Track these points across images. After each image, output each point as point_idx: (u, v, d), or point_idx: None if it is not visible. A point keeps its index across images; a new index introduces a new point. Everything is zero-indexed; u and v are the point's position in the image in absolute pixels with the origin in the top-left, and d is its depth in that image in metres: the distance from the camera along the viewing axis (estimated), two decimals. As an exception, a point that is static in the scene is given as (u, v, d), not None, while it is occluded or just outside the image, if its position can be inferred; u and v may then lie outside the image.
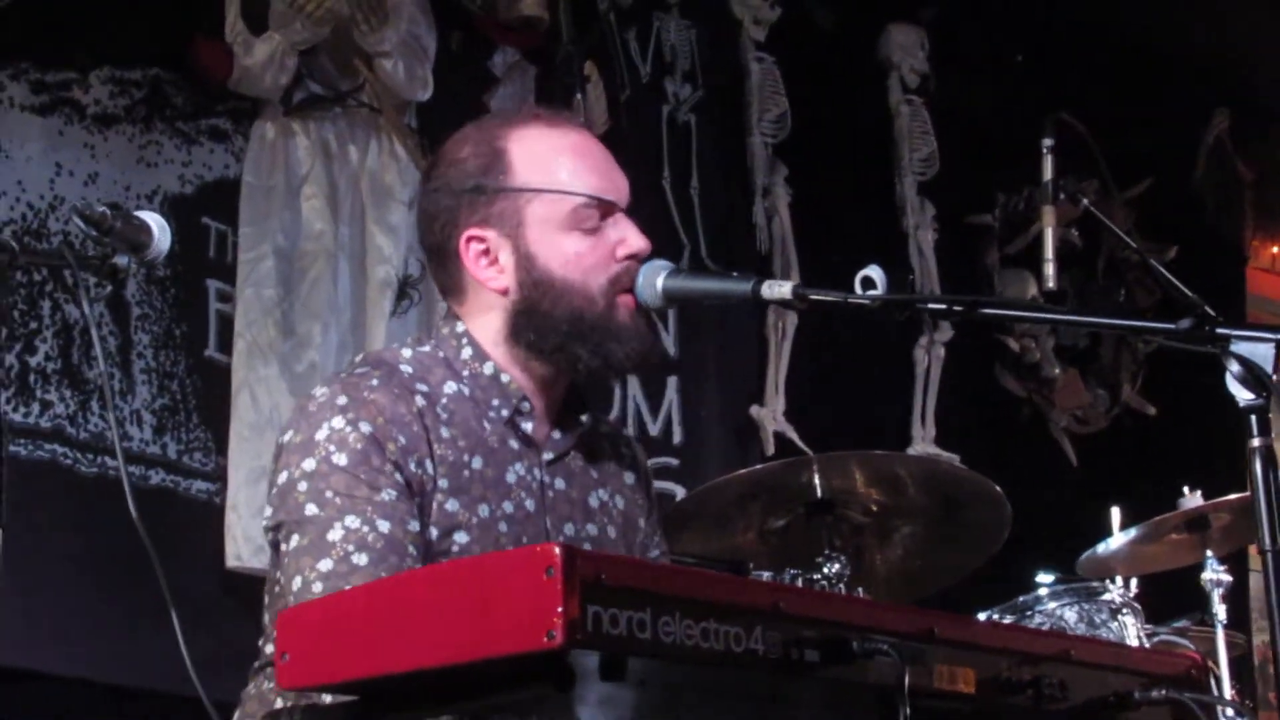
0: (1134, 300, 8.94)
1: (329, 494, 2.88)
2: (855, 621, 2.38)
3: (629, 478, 3.29)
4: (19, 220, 5.35)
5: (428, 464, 2.95)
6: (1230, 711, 4.72)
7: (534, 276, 3.05)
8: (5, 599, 2.64)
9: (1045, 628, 4.70)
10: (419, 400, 2.99)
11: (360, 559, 2.83)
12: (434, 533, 2.93)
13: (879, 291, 2.79)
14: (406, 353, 3.12)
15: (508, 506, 3.03)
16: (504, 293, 3.08)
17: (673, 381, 7.17)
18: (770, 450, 7.23)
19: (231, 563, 5.54)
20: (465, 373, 3.08)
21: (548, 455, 3.12)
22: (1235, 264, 9.65)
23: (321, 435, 2.92)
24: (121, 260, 2.92)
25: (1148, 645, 4.90)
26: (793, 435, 7.30)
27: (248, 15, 5.87)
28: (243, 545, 5.53)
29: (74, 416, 5.37)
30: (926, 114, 8.16)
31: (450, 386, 3.06)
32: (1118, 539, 5.49)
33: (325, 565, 2.83)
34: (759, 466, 5.09)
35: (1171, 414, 8.79)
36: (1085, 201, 4.89)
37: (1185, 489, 5.45)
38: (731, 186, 7.59)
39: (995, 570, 5.01)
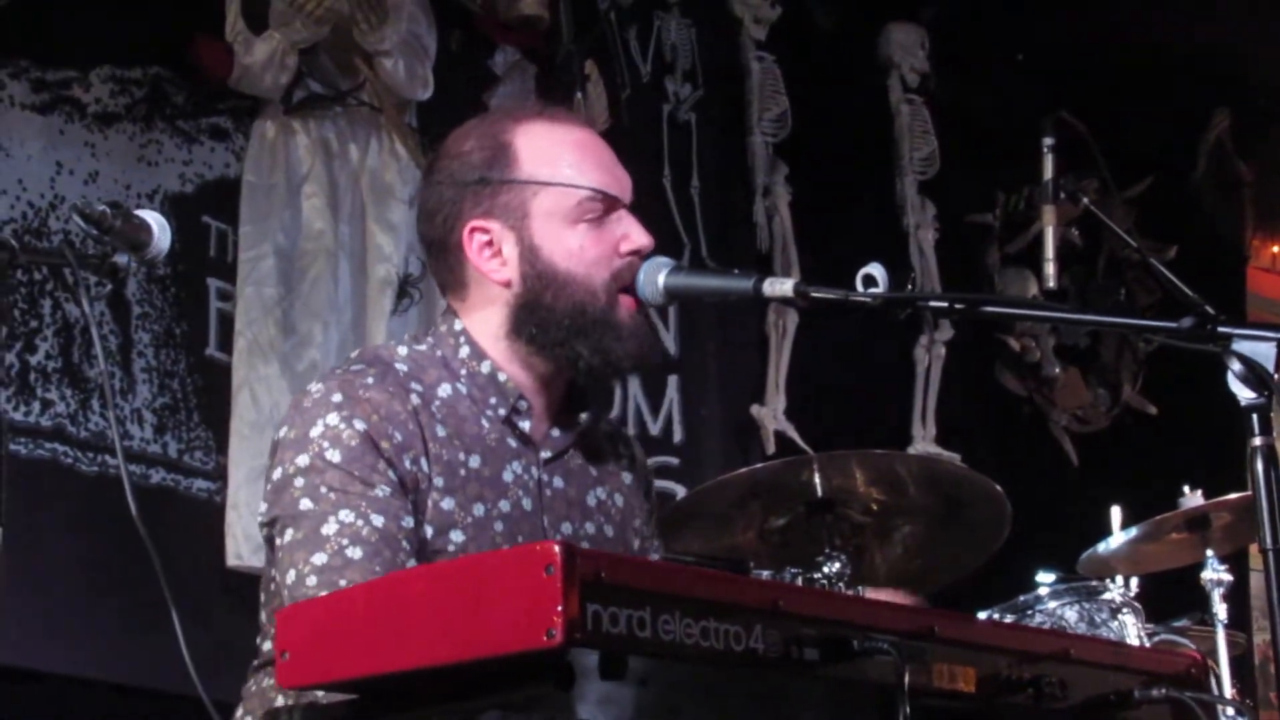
0: (1134, 299, 8.93)
1: (323, 489, 2.88)
2: (855, 620, 2.38)
3: (628, 477, 3.29)
4: (19, 219, 5.35)
5: (422, 462, 2.95)
6: (1231, 710, 4.72)
7: (538, 269, 3.05)
8: (5, 598, 2.64)
9: (1046, 627, 4.70)
10: (414, 398, 2.99)
11: (354, 552, 2.83)
12: (429, 531, 2.94)
13: (880, 289, 2.80)
14: (403, 350, 3.12)
15: (504, 505, 3.03)
16: (506, 285, 3.08)
17: (673, 380, 7.17)
18: (771, 449, 7.23)
19: (232, 561, 5.54)
20: (463, 371, 3.08)
21: (545, 454, 3.12)
22: (1235, 263, 9.65)
23: (316, 432, 2.92)
24: (121, 259, 2.92)
25: (1148, 644, 4.90)
26: (793, 434, 7.31)
27: (248, 14, 5.86)
28: (243, 544, 5.53)
29: (74, 415, 5.37)
30: (927, 113, 8.17)
31: (446, 386, 3.06)
32: (1118, 538, 5.49)
33: (319, 559, 2.84)
34: (759, 465, 5.09)
35: (1172, 413, 8.79)
36: (1085, 200, 4.90)
37: (1186, 488, 5.44)
38: (732, 185, 7.59)
39: (996, 569, 5.01)
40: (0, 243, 2.82)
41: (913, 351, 7.95)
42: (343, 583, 2.77)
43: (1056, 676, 2.59)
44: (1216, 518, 5.35)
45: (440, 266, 3.15)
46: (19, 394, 5.26)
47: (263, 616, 3.05)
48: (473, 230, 3.08)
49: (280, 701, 2.93)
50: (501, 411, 3.07)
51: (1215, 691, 4.91)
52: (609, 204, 3.09)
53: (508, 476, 3.05)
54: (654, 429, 7.06)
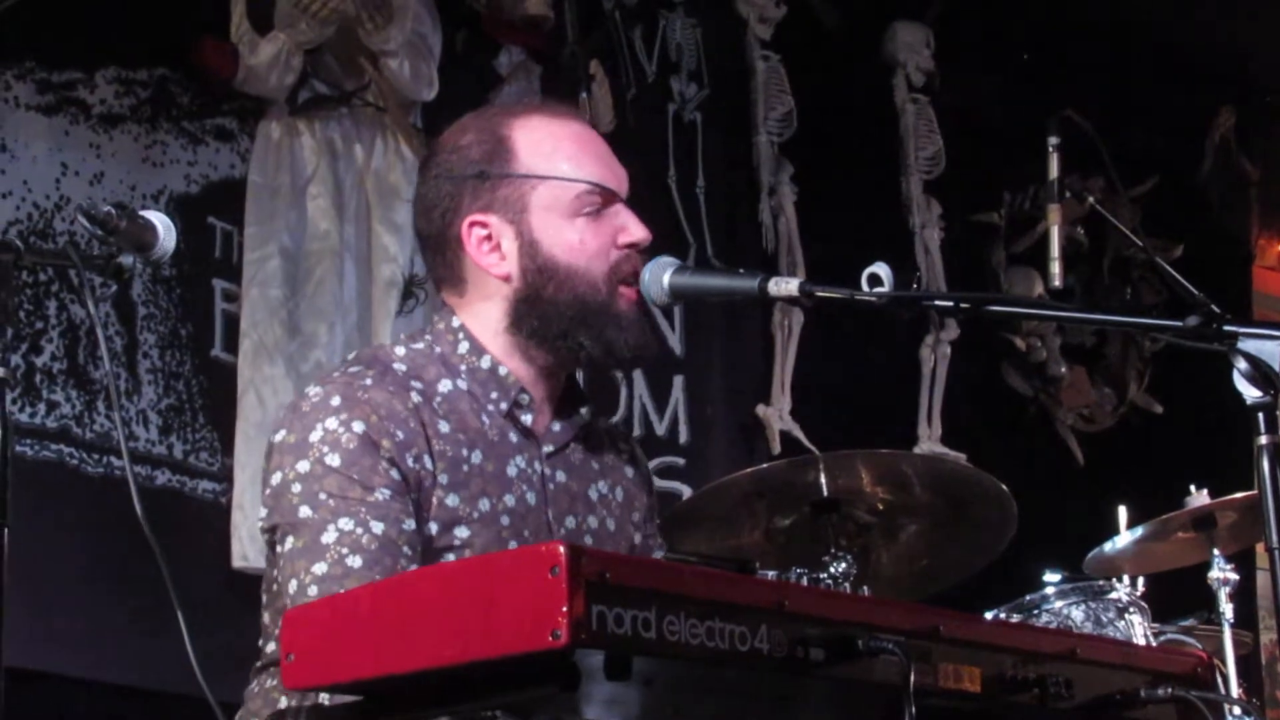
0: (1140, 298, 8.93)
1: (322, 495, 2.88)
2: (860, 620, 2.38)
3: (629, 471, 3.29)
4: (25, 220, 5.35)
5: (426, 459, 2.95)
6: (1237, 710, 4.72)
7: (538, 262, 3.05)
8: (11, 599, 2.64)
9: (1052, 626, 4.70)
10: (415, 396, 2.99)
11: (354, 561, 2.83)
12: (434, 528, 2.94)
13: (885, 289, 2.79)
14: (400, 350, 3.11)
15: (509, 500, 3.02)
16: (506, 279, 3.08)
17: (679, 381, 7.17)
18: (776, 449, 7.23)
19: (238, 562, 5.54)
20: (462, 367, 3.08)
21: (548, 448, 3.12)
22: (1242, 262, 9.64)
23: (315, 436, 2.92)
24: (127, 260, 2.92)
25: (1154, 644, 4.90)
26: (799, 434, 7.30)
27: (253, 15, 5.87)
28: (249, 545, 5.52)
29: (80, 416, 5.38)
30: (932, 112, 8.16)
31: (446, 382, 3.06)
32: (1124, 538, 5.48)
33: (320, 569, 2.84)
34: (765, 465, 5.08)
35: (1178, 412, 8.78)
36: (1091, 199, 4.90)
37: (1192, 487, 5.44)
38: (737, 185, 7.59)
39: (1002, 569, 5.00)
40: (5, 244, 2.81)
41: (918, 351, 7.94)
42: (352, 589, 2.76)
43: (1062, 676, 2.59)
44: (1223, 517, 5.34)
45: (438, 262, 3.15)
46: (25, 395, 5.27)
47: (264, 618, 3.05)
48: (471, 225, 3.08)
49: (284, 703, 2.93)
50: (503, 406, 3.07)
51: (1222, 691, 4.91)
52: (606, 197, 3.09)
53: (511, 471, 3.05)
54: (660, 429, 7.06)
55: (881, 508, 4.77)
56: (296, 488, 2.90)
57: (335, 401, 2.95)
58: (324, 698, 2.64)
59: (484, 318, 3.11)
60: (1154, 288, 8.91)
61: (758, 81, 7.64)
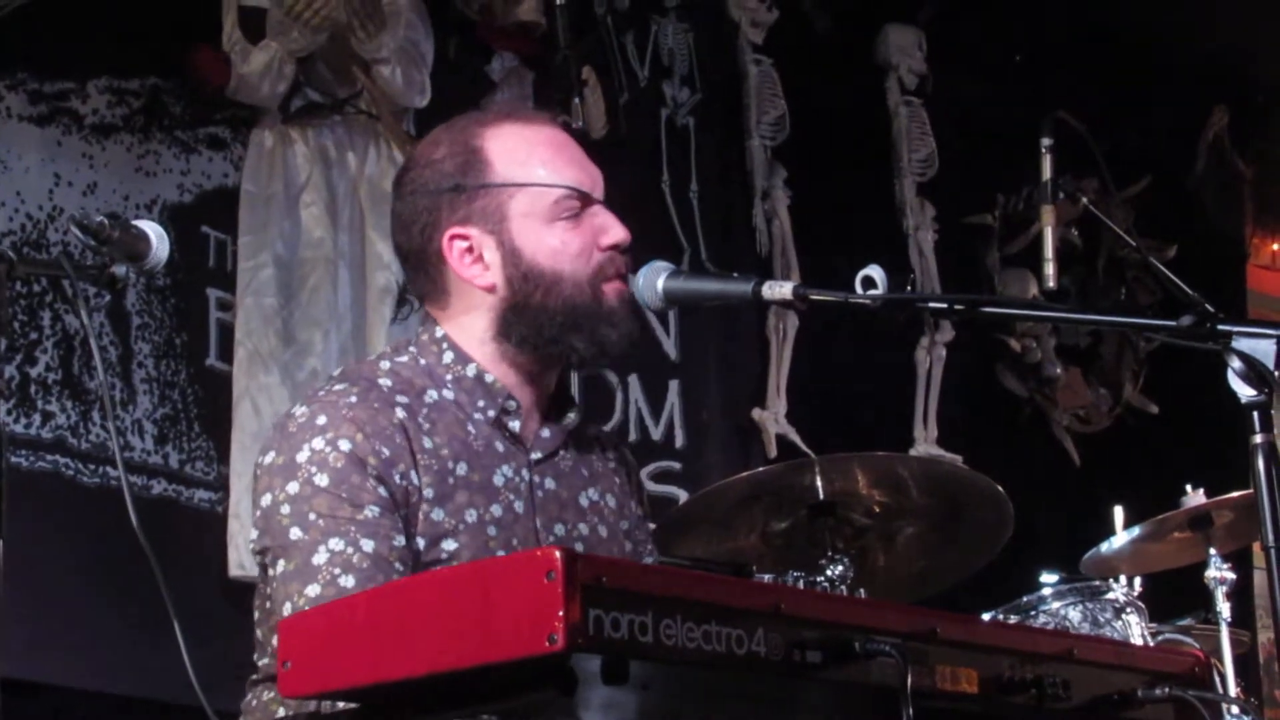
0: (1135, 299, 8.93)
1: (312, 516, 2.88)
2: (857, 622, 2.37)
3: (619, 478, 3.28)
4: (18, 231, 5.35)
5: (412, 475, 2.95)
6: (1235, 709, 4.72)
7: (522, 270, 3.05)
8: (7, 610, 2.64)
9: (1049, 627, 4.70)
10: (399, 412, 2.98)
11: (347, 581, 2.83)
12: (421, 543, 2.93)
13: (880, 291, 2.79)
14: (384, 364, 3.11)
15: (496, 510, 3.02)
16: (491, 289, 3.07)
17: (674, 385, 7.17)
18: (772, 452, 7.23)
19: (234, 571, 5.54)
20: (448, 377, 3.08)
21: (536, 455, 3.11)
22: (1235, 261, 9.65)
23: (302, 457, 2.92)
24: (120, 270, 2.91)
25: (1152, 644, 4.90)
26: (794, 437, 7.30)
27: (245, 24, 5.86)
28: (245, 554, 5.52)
29: (75, 427, 5.37)
30: (925, 115, 8.16)
31: (432, 393, 3.06)
32: (1121, 538, 5.49)
33: (313, 591, 2.84)
34: (761, 469, 5.09)
35: (1173, 412, 8.78)
36: (1085, 200, 4.89)
37: (1188, 487, 5.44)
38: (731, 189, 7.59)
39: (999, 570, 5.00)
40: (-1, 255, 2.82)
41: (913, 353, 7.94)
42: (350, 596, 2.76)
43: (1060, 677, 2.59)
44: (1219, 516, 5.35)
45: (419, 276, 3.15)
46: (19, 406, 5.26)
47: (258, 634, 3.05)
48: (452, 238, 3.08)
49: (281, 714, 2.93)
50: (490, 413, 3.07)
51: (1219, 690, 4.91)
52: (584, 200, 3.09)
53: (498, 480, 3.05)
54: (656, 434, 7.06)
55: (878, 510, 4.77)
56: (286, 509, 2.90)
57: (321, 421, 2.94)
58: (322, 707, 2.64)
59: (469, 328, 3.10)
60: (1148, 288, 8.91)
61: (750, 85, 7.65)
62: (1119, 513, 5.60)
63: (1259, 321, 2.69)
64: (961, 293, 6.82)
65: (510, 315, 3.06)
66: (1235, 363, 2.61)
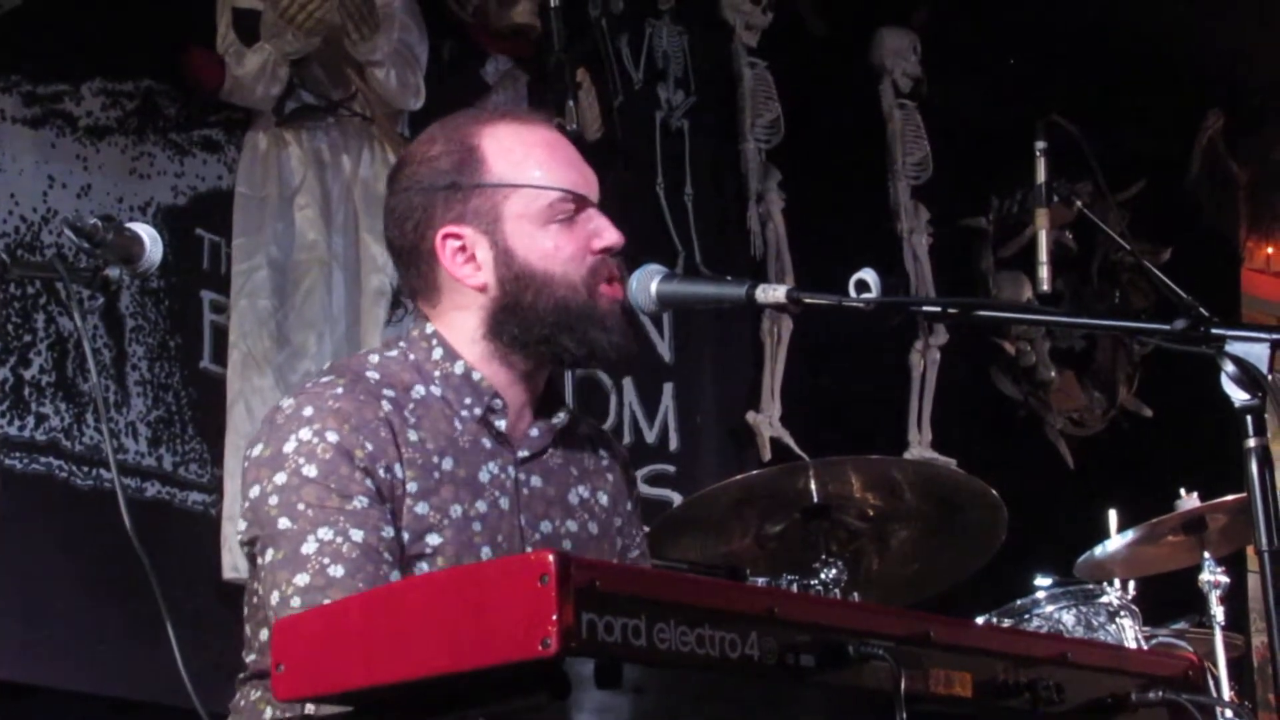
0: (1129, 302, 8.94)
1: (300, 506, 2.87)
2: (851, 626, 2.37)
3: (611, 476, 3.27)
4: (12, 233, 5.35)
5: (396, 468, 2.94)
6: (1229, 713, 4.73)
7: (514, 271, 3.04)
8: (1, 612, 2.63)
9: (1043, 631, 4.70)
10: (385, 405, 2.98)
11: (336, 571, 2.83)
12: (406, 536, 2.93)
13: (873, 294, 2.79)
14: (374, 359, 3.11)
15: (481, 506, 3.01)
16: (482, 289, 3.07)
17: (668, 388, 7.17)
18: (766, 456, 7.23)
19: (228, 574, 5.53)
20: (436, 374, 3.07)
21: (523, 453, 3.11)
22: (1230, 265, 9.66)
23: (290, 448, 2.91)
24: (113, 272, 2.91)
25: (1146, 647, 4.90)
26: (789, 441, 7.31)
27: (239, 26, 5.86)
28: (239, 556, 5.47)
29: (69, 429, 5.37)
30: (919, 118, 8.17)
31: (420, 388, 3.05)
32: (1115, 541, 5.50)
33: (301, 580, 2.83)
34: (755, 472, 5.09)
35: (1168, 416, 8.79)
36: (1079, 204, 4.90)
37: (1182, 491, 5.45)
38: (725, 192, 7.60)
39: (993, 574, 5.01)
40: (-8, 257, 2.82)
41: (908, 357, 7.95)
42: (326, 602, 2.75)
43: (1053, 680, 2.59)
44: (1213, 520, 5.35)
45: (411, 273, 3.14)
46: (13, 408, 5.26)
47: (246, 630, 3.05)
48: (445, 236, 3.07)
49: (269, 714, 2.93)
50: (476, 411, 3.06)
51: (1213, 694, 4.91)
52: (579, 203, 3.08)
53: (484, 477, 3.04)
54: (650, 437, 7.06)
55: (872, 514, 4.78)
56: (274, 500, 2.90)
57: (308, 412, 2.94)
58: (311, 708, 2.64)
59: (459, 326, 3.10)
60: (1143, 291, 8.92)
61: (745, 88, 7.65)
62: (1113, 516, 5.61)
63: (1253, 325, 2.69)
64: (956, 296, 6.83)
65: (501, 315, 3.06)
66: (1229, 366, 2.61)
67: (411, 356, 3.10)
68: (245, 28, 5.88)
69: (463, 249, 3.07)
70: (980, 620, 4.51)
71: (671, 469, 7.07)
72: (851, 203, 7.83)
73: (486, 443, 3.07)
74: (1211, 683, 5.04)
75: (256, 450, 2.97)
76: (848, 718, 2.50)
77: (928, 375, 7.94)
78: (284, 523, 2.88)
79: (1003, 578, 5.07)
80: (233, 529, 5.49)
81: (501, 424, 3.08)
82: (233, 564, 5.54)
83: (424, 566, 2.92)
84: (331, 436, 2.91)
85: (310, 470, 2.89)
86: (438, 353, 3.09)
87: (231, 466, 5.62)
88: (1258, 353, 2.61)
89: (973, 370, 8.39)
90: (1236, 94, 9.43)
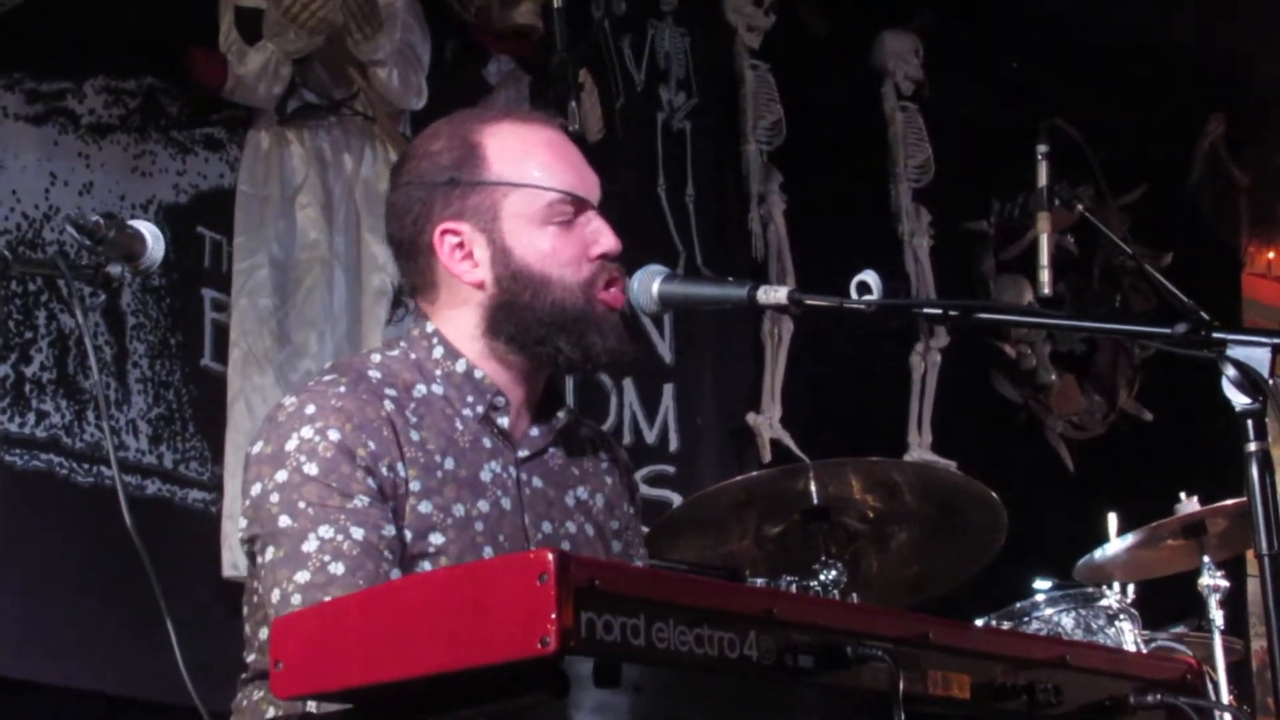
0: (1130, 306, 8.94)
1: (301, 504, 2.87)
2: (849, 627, 2.37)
3: (610, 479, 3.27)
4: (14, 230, 5.35)
5: (399, 467, 2.94)
6: (1228, 717, 4.72)
7: (511, 270, 3.04)
8: (1, 609, 2.63)
9: (1042, 634, 4.70)
10: (387, 404, 2.98)
11: (337, 569, 2.83)
12: (408, 535, 2.93)
13: (874, 297, 2.79)
14: (376, 358, 3.11)
15: (483, 505, 3.01)
16: (479, 286, 3.07)
17: (669, 389, 7.17)
18: (767, 457, 7.23)
19: (228, 572, 5.53)
20: (437, 372, 3.07)
21: (523, 452, 3.11)
22: (1231, 269, 9.65)
23: (291, 446, 2.91)
24: (115, 269, 2.92)
25: (1145, 651, 4.90)
26: (789, 442, 7.31)
27: (241, 24, 5.86)
28: (239, 554, 5.47)
29: (70, 426, 5.37)
30: (921, 120, 8.17)
31: (421, 388, 3.05)
32: (1115, 545, 5.49)
33: (302, 577, 2.83)
34: (755, 473, 5.09)
35: (1168, 420, 8.79)
36: (1080, 207, 4.89)
37: (1182, 494, 5.45)
38: (727, 194, 7.60)
39: (992, 576, 5.01)
40: (-6, 253, 2.82)
41: (908, 359, 7.95)
42: (326, 600, 2.75)
43: (1052, 683, 2.59)
44: (1213, 524, 5.35)
45: (410, 268, 3.14)
46: (14, 405, 5.27)
47: (246, 629, 3.05)
48: (444, 232, 3.07)
49: (271, 714, 2.93)
50: (479, 409, 3.06)
51: (1212, 698, 4.91)
52: (578, 206, 3.08)
53: (485, 476, 3.04)
54: (650, 437, 7.06)
55: (872, 515, 4.78)
56: (275, 497, 2.90)
57: (310, 410, 2.94)
58: (312, 706, 2.64)
59: (459, 323, 3.10)
60: (1144, 295, 8.92)
61: (747, 90, 7.65)
62: (1113, 519, 5.61)
63: (1254, 329, 2.69)
64: (957, 299, 6.83)
65: (499, 313, 3.06)
66: (1230, 370, 2.61)
67: (413, 355, 3.10)
68: (248, 26, 5.88)
69: (460, 245, 3.06)
70: (979, 622, 4.51)
71: (671, 470, 7.07)
72: (853, 205, 7.83)
73: (487, 442, 3.07)
74: (1210, 687, 5.04)
75: (258, 447, 2.97)
76: (845, 718, 2.50)
77: (928, 377, 7.94)
78: (285, 520, 2.88)
79: (1002, 580, 5.07)
80: (233, 527, 5.50)
81: (504, 422, 3.08)
82: (233, 562, 5.54)
83: (426, 565, 2.92)
84: (333, 435, 2.91)
85: (311, 468, 2.89)
86: (439, 351, 3.09)
87: (232, 464, 5.62)
88: (1258, 357, 2.61)
89: (973, 373, 8.38)
90: (1238, 98, 9.43)
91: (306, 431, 2.92)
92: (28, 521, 5.13)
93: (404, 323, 6.11)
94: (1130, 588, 5.38)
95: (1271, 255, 9.95)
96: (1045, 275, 4.95)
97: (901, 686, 2.35)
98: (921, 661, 2.44)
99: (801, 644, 2.31)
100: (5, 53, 5.38)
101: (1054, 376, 8.65)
